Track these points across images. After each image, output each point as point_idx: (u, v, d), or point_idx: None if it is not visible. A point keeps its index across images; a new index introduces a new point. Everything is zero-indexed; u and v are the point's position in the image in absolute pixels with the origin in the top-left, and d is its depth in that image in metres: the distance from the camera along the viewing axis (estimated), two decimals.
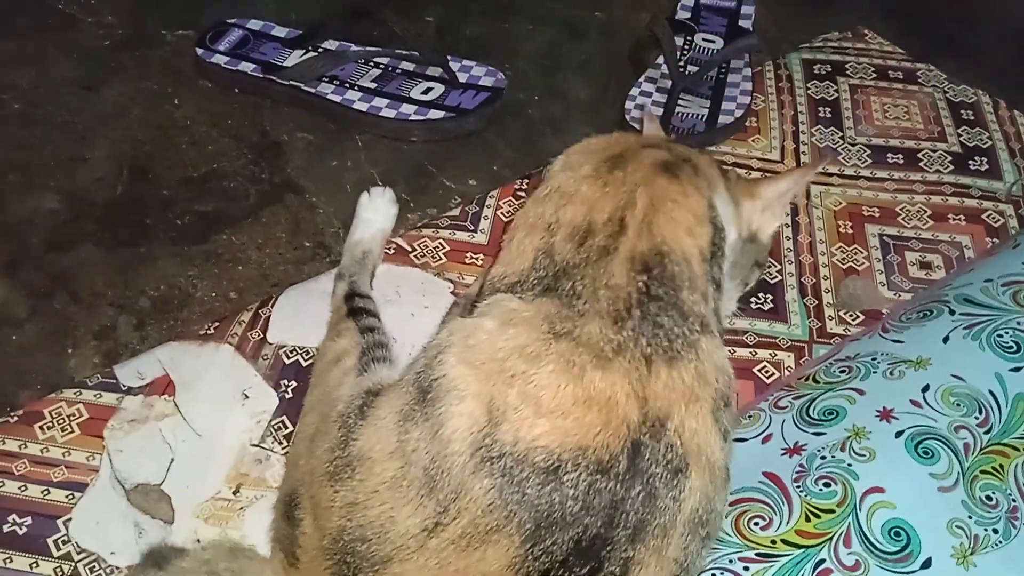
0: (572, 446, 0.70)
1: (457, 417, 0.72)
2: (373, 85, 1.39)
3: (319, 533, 0.77)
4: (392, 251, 1.20)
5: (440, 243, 1.22)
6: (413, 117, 1.36)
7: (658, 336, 0.75)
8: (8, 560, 0.92)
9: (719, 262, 0.84)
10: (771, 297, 1.17)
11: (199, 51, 1.43)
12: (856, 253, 1.22)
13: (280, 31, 1.47)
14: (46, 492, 0.96)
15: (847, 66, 1.48)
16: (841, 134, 1.38)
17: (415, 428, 0.73)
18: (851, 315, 1.16)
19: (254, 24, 1.48)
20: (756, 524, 0.86)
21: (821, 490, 0.87)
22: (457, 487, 0.70)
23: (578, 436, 0.70)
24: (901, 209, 1.27)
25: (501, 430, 0.70)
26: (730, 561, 0.84)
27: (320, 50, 1.43)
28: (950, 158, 1.34)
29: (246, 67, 1.41)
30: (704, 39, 1.48)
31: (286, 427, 1.02)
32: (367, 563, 0.73)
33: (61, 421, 1.02)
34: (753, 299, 1.16)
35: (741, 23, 1.50)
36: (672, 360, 0.75)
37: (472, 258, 1.20)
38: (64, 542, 0.93)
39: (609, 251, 0.79)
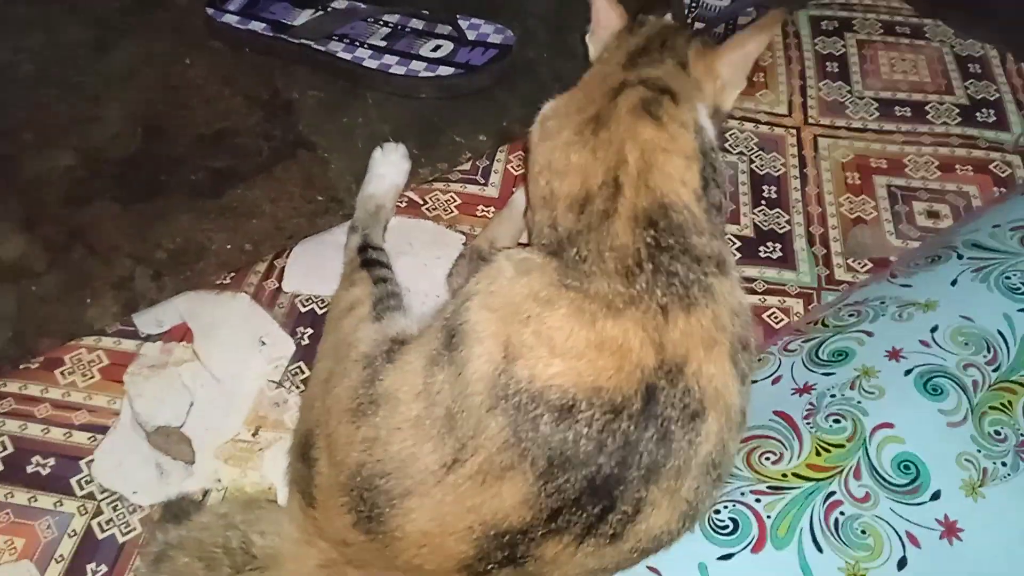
0: (586, 387, 0.72)
1: (477, 358, 0.74)
2: (383, 43, 1.40)
3: (335, 470, 0.78)
4: (404, 204, 1.21)
5: (451, 196, 1.23)
6: (423, 74, 1.37)
7: (673, 285, 0.77)
8: (33, 499, 0.94)
9: (711, 186, 0.85)
10: (779, 246, 1.18)
11: (209, 11, 1.44)
12: (864, 203, 1.23)
13: None
14: (68, 435, 0.99)
15: (854, 22, 1.48)
16: (849, 88, 1.38)
17: (440, 371, 0.75)
18: (859, 263, 1.17)
19: None
20: (767, 459, 0.88)
21: (831, 426, 0.88)
22: (475, 425, 0.72)
23: (592, 378, 0.72)
24: (909, 160, 1.28)
25: (517, 367, 0.72)
26: (742, 494, 0.85)
27: (329, 9, 1.44)
28: (957, 110, 1.35)
29: (256, 26, 1.42)
30: None
31: (302, 372, 1.04)
32: (384, 497, 0.75)
33: (82, 367, 1.04)
34: (762, 247, 1.17)
35: None
36: (690, 307, 0.76)
37: (483, 211, 1.21)
38: (87, 482, 0.95)
39: (609, 214, 0.81)
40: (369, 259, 1.03)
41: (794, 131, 1.32)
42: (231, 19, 1.44)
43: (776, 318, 1.11)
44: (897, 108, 1.35)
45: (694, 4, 1.46)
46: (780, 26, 0.95)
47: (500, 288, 0.77)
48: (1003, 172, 1.26)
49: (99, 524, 0.92)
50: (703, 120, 0.89)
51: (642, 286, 0.76)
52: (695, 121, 0.88)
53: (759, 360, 0.98)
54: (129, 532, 0.92)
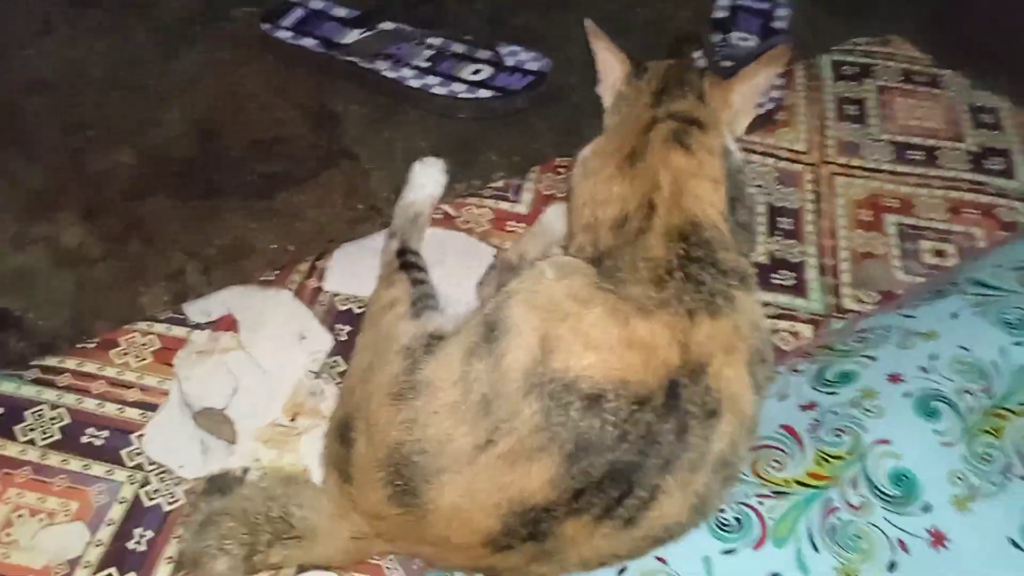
0: (615, 379, 0.79)
1: (516, 349, 0.81)
2: (426, 64, 1.48)
3: (374, 448, 0.85)
4: (440, 217, 1.29)
5: (485, 211, 1.31)
6: (462, 95, 1.45)
7: (701, 292, 0.85)
8: (87, 467, 1.01)
9: (738, 207, 0.94)
10: (793, 274, 1.25)
11: (264, 27, 1.53)
12: (875, 239, 1.30)
13: (340, 11, 1.56)
14: (121, 410, 1.06)
15: (874, 69, 1.56)
16: (866, 130, 1.45)
17: (479, 361, 0.82)
18: (868, 295, 1.23)
19: (315, 4, 1.58)
20: (771, 466, 0.94)
21: (833, 440, 0.95)
22: (510, 409, 0.79)
23: (620, 371, 0.80)
24: (919, 201, 1.35)
25: (553, 358, 0.80)
26: (747, 496, 0.91)
27: (377, 30, 1.52)
28: (968, 157, 1.41)
29: (308, 43, 1.51)
30: (740, 37, 1.56)
31: (340, 365, 1.11)
32: (420, 472, 0.81)
33: (135, 349, 1.11)
34: (776, 275, 1.24)
35: (775, 24, 1.58)
36: (715, 313, 0.84)
37: (514, 226, 1.29)
38: (137, 454, 1.02)
39: (644, 230, 0.89)
40: (407, 262, 1.10)
41: (812, 168, 1.39)
42: (285, 35, 1.52)
43: (786, 341, 1.17)
44: (910, 152, 1.42)
45: (723, 42, 1.55)
46: (786, 58, 1.04)
47: (542, 287, 0.85)
48: (1008, 217, 1.32)
49: (146, 493, 0.99)
50: (730, 144, 0.98)
51: (672, 292, 0.84)
52: (722, 146, 0.97)
53: (770, 378, 1.05)
54: (174, 502, 0.99)
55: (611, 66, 1.09)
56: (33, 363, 1.09)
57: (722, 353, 0.83)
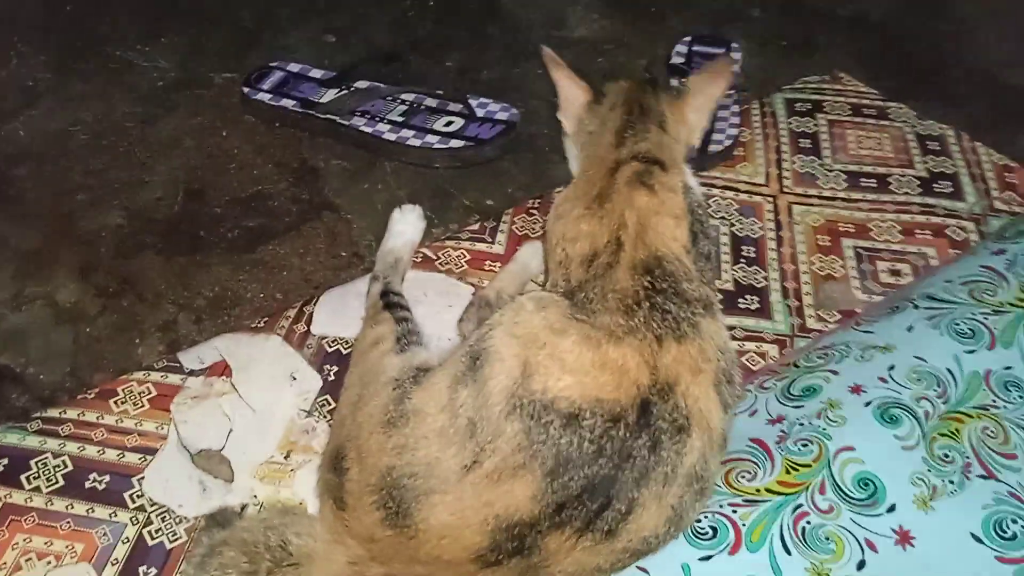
0: (590, 398, 0.85)
1: (498, 375, 0.87)
2: (400, 118, 1.56)
3: (366, 474, 0.90)
4: (419, 259, 1.35)
5: (462, 252, 1.37)
6: (436, 146, 1.52)
7: (667, 319, 0.91)
8: (91, 510, 1.06)
9: (700, 238, 1.00)
10: (757, 299, 1.31)
11: (245, 89, 1.61)
12: (833, 262, 1.37)
13: (316, 72, 1.64)
14: (121, 455, 1.10)
15: (825, 104, 1.64)
16: (820, 161, 1.53)
17: (464, 388, 0.88)
18: (829, 314, 1.29)
19: (293, 67, 1.65)
20: (743, 477, 0.99)
21: (799, 449, 1.00)
22: (493, 430, 0.85)
23: (595, 391, 0.86)
24: (873, 225, 1.42)
25: (533, 381, 0.86)
26: (720, 506, 0.96)
27: (352, 88, 1.60)
28: (918, 182, 1.49)
29: (287, 103, 1.58)
30: None
31: (329, 404, 1.16)
32: (411, 494, 0.86)
33: (133, 397, 1.16)
34: (741, 299, 1.30)
35: None
36: (681, 338, 0.91)
37: (491, 265, 1.35)
38: (138, 496, 1.07)
39: (612, 265, 0.96)
40: (391, 302, 1.15)
41: (771, 199, 1.47)
42: (264, 96, 1.60)
43: (753, 361, 1.23)
44: (863, 179, 1.50)
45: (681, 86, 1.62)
46: (730, 71, 1.13)
47: (522, 319, 0.91)
48: (959, 236, 1.40)
49: (149, 532, 1.03)
50: (690, 180, 1.05)
51: (640, 320, 0.90)
52: (683, 183, 1.03)
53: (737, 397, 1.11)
54: (176, 540, 1.03)
55: (572, 93, 1.15)
56: (35, 415, 1.14)
57: (689, 374, 0.89)
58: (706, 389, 0.90)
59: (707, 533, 0.94)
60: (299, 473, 1.09)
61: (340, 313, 1.26)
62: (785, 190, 1.48)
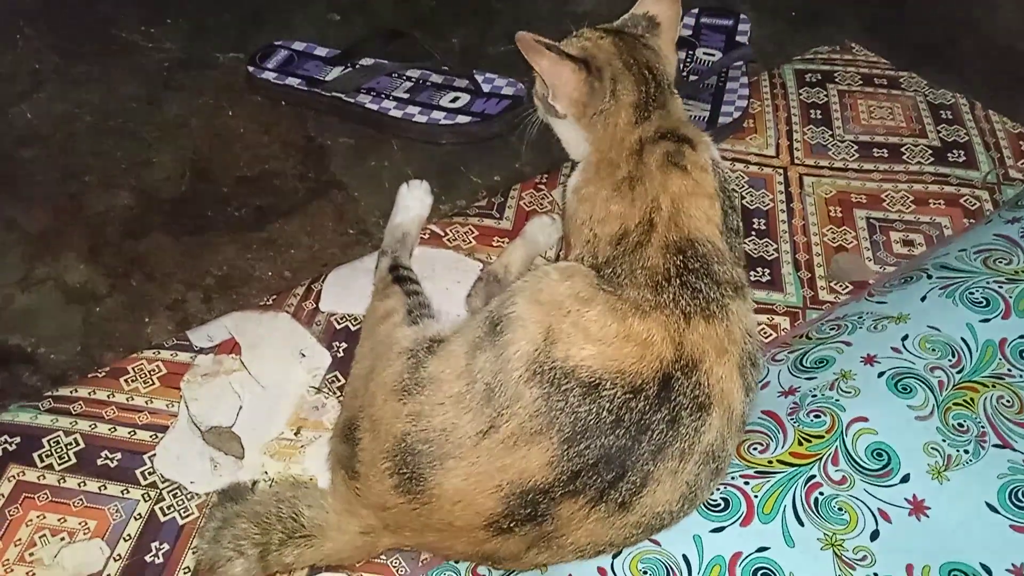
0: (612, 369, 0.85)
1: (519, 340, 0.87)
2: (406, 95, 1.55)
3: (379, 442, 0.90)
4: (427, 236, 1.34)
5: (470, 228, 1.36)
6: (443, 122, 1.51)
7: (697, 298, 0.91)
8: (103, 487, 1.06)
9: (729, 214, 1.00)
10: (768, 271, 1.30)
11: (250, 69, 1.60)
12: (846, 234, 1.36)
13: (321, 51, 1.63)
14: (132, 433, 1.11)
15: (835, 75, 1.63)
16: (831, 132, 1.52)
17: (482, 355, 0.88)
18: (841, 286, 1.28)
19: (298, 45, 1.64)
20: (755, 449, 0.99)
21: (812, 420, 1.00)
22: (511, 395, 0.85)
23: (617, 362, 0.86)
24: (886, 196, 1.41)
25: (555, 348, 0.86)
26: (732, 478, 0.96)
27: (357, 66, 1.59)
28: (930, 151, 1.48)
29: (292, 82, 1.57)
30: (704, 53, 1.63)
31: (339, 380, 1.16)
32: (426, 459, 0.87)
33: (143, 375, 1.16)
34: (753, 272, 1.29)
35: (738, 39, 1.65)
36: (709, 317, 0.90)
37: (498, 241, 1.34)
38: (150, 473, 1.07)
39: (643, 244, 0.95)
40: (400, 276, 1.15)
41: (781, 171, 1.45)
42: (269, 75, 1.59)
43: (765, 333, 1.22)
44: (875, 150, 1.49)
45: (688, 60, 1.61)
46: None
47: (546, 286, 0.91)
48: (972, 205, 1.39)
49: (161, 509, 1.04)
50: (715, 154, 1.04)
51: (669, 296, 0.90)
52: (712, 160, 1.02)
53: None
54: (188, 516, 1.03)
55: (563, 76, 1.03)
56: (47, 394, 1.14)
57: (715, 353, 0.89)
58: (730, 370, 0.90)
59: (719, 505, 0.94)
60: (309, 449, 1.09)
61: (349, 290, 1.26)
62: (796, 161, 1.47)
